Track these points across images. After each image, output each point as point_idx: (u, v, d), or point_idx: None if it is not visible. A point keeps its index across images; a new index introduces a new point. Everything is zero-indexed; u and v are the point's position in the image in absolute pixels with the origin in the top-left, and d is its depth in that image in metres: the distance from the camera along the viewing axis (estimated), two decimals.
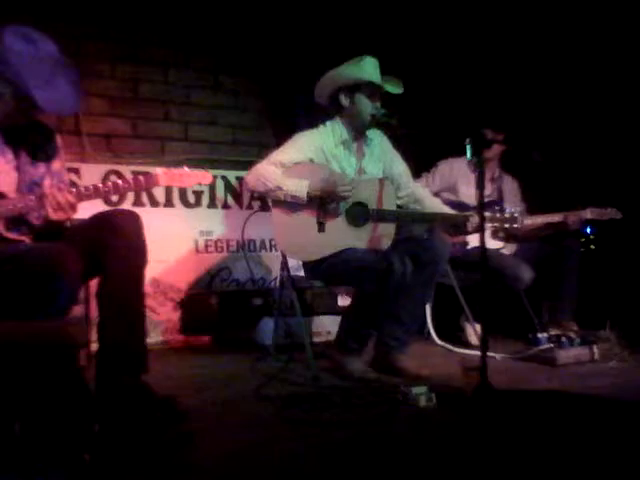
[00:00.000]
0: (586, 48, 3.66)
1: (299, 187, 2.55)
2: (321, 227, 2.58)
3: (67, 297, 1.75)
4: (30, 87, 1.85)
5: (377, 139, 2.85)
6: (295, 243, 2.66)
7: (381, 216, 2.67)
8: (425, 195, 2.96)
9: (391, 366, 2.60)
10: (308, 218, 2.61)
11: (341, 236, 2.62)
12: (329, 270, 2.64)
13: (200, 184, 2.19)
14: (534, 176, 3.73)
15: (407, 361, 2.61)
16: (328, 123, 2.78)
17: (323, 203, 2.58)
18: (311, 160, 2.68)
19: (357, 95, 2.68)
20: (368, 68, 2.65)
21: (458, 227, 2.74)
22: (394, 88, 2.69)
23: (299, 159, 2.66)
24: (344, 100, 2.71)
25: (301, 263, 2.83)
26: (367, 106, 2.67)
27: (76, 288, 1.82)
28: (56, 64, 1.94)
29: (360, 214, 2.65)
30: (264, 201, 3.56)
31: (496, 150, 3.47)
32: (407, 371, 2.55)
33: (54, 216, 1.90)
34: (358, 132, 2.77)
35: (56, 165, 2.14)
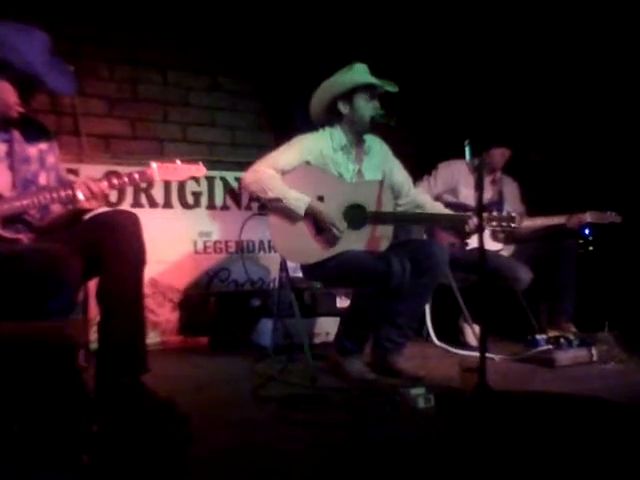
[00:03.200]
0: (587, 51, 3.66)
1: (299, 203, 2.56)
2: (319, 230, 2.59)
3: (67, 297, 1.75)
4: (39, 70, 1.89)
5: (377, 147, 2.83)
6: (293, 246, 2.65)
7: (379, 218, 2.67)
8: (426, 200, 2.95)
9: (389, 367, 2.61)
10: (306, 221, 2.61)
11: (340, 238, 2.62)
12: (328, 272, 2.64)
13: (194, 177, 2.20)
14: (534, 178, 3.74)
15: (405, 362, 2.63)
16: (327, 128, 2.76)
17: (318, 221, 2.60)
18: (308, 163, 2.68)
19: (355, 99, 2.67)
20: (361, 71, 2.66)
21: (457, 228, 2.73)
22: (390, 87, 2.69)
23: (297, 163, 2.65)
24: (343, 108, 2.69)
25: (299, 264, 2.83)
26: (367, 108, 2.66)
27: (76, 289, 1.82)
28: (50, 49, 1.97)
29: (358, 216, 2.65)
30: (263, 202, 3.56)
31: (501, 159, 3.49)
32: (405, 372, 2.56)
33: (86, 205, 1.95)
34: (357, 137, 2.75)
35: (50, 160, 2.14)
